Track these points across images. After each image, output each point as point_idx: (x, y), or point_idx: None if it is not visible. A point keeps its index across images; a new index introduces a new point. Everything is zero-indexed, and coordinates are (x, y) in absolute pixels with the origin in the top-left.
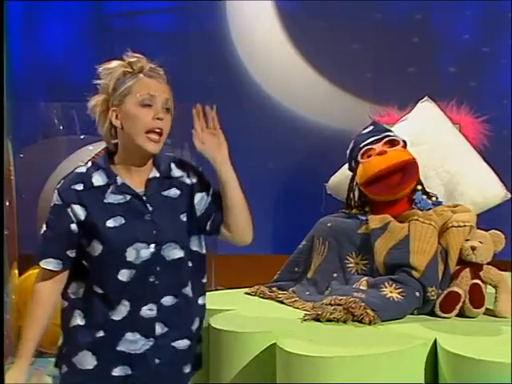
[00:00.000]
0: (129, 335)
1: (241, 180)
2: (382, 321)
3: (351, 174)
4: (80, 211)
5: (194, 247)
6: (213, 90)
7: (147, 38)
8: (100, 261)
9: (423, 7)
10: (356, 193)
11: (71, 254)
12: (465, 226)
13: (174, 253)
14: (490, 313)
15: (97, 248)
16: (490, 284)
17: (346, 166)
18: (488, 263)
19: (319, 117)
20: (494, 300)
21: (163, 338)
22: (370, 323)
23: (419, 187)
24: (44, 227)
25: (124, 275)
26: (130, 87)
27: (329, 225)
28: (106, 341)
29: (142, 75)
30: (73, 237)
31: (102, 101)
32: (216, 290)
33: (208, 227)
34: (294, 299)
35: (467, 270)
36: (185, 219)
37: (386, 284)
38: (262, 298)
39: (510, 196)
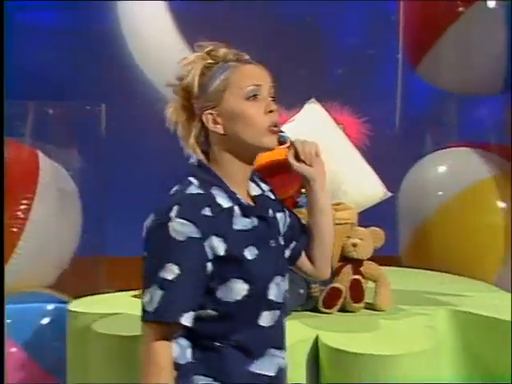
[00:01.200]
0: None
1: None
2: None
3: None
4: (219, 244)
5: None
6: (105, 90)
7: (35, 35)
8: (239, 305)
9: (313, 9)
10: None
11: (200, 301)
12: (346, 223)
13: (286, 285)
14: (370, 307)
15: (238, 289)
16: (370, 279)
17: None
18: (369, 259)
19: None
20: (373, 294)
21: None
22: None
23: (304, 190)
24: (174, 269)
25: (266, 319)
26: (228, 79)
27: None
28: None
29: (235, 63)
30: (207, 280)
31: (180, 107)
32: (104, 293)
33: (287, 255)
34: None
35: (349, 266)
36: (283, 242)
37: None
38: None
39: (389, 194)
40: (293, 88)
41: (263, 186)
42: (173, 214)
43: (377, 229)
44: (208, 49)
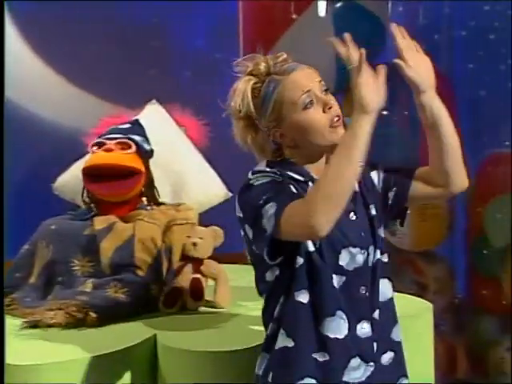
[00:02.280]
0: (352, 361)
1: None
2: (106, 322)
3: None
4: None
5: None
6: None
7: None
8: (311, 261)
9: (160, 11)
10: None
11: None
12: (187, 223)
13: (382, 258)
14: (210, 305)
15: (308, 244)
16: (210, 277)
17: (75, 165)
18: (210, 257)
19: (59, 117)
20: (213, 292)
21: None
22: (93, 325)
23: (144, 199)
24: (270, 201)
25: (335, 281)
26: (279, 98)
27: (53, 227)
28: (334, 367)
29: (279, 77)
30: None
31: (245, 127)
32: None
33: (391, 204)
34: (12, 307)
35: (189, 265)
36: (374, 212)
37: (111, 284)
38: None
39: (230, 195)
40: (140, 89)
41: None
42: (251, 176)
43: (216, 228)
44: (249, 69)
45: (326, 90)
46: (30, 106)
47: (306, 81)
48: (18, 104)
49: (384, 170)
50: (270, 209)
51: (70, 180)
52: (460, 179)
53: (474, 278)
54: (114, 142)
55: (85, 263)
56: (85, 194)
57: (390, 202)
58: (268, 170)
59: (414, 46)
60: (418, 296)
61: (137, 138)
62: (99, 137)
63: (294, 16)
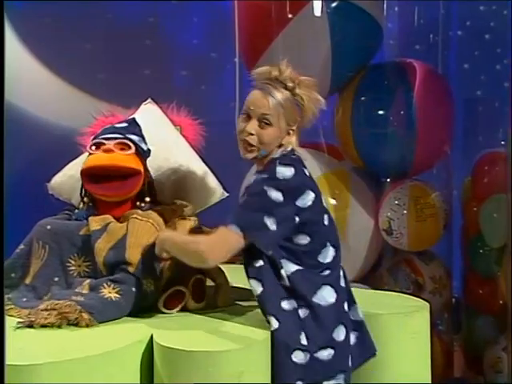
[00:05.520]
0: None
1: None
2: (100, 322)
3: None
4: None
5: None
6: None
7: None
8: None
9: (155, 10)
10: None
11: None
12: (189, 219)
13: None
14: (210, 305)
15: None
16: (211, 277)
17: (70, 164)
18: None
19: (51, 115)
20: (213, 292)
21: None
22: (86, 326)
23: (147, 199)
24: None
25: None
26: None
27: (48, 227)
28: None
29: None
30: None
31: None
32: None
33: None
34: (8, 307)
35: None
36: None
37: (105, 285)
38: None
39: (226, 195)
40: (141, 88)
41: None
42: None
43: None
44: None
45: None
46: (25, 105)
47: None
48: (13, 102)
49: None
50: None
51: (66, 180)
52: None
53: (470, 277)
54: (114, 142)
55: (81, 263)
56: (83, 194)
57: None
58: None
59: None
60: (415, 295)
61: (134, 137)
62: (95, 136)
63: (290, 16)
